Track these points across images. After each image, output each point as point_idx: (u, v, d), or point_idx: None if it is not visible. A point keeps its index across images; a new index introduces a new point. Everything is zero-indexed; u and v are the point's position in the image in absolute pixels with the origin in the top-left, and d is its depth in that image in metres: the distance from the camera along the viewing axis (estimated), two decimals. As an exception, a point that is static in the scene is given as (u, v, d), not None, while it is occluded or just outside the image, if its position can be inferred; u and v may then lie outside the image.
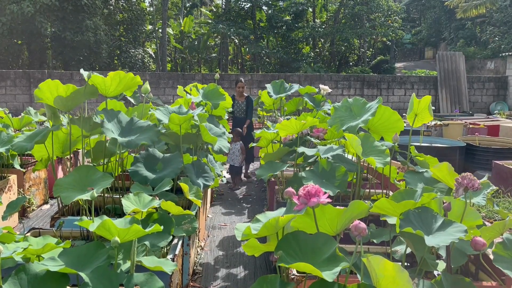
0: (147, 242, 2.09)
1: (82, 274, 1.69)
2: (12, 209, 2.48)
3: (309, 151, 3.24)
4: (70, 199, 2.32)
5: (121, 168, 3.51)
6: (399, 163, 3.71)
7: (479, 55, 20.89)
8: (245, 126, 6.62)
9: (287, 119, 3.55)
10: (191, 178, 3.12)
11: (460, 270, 2.30)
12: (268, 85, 5.86)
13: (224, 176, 6.17)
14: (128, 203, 2.20)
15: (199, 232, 3.85)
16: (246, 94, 6.89)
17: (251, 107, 6.82)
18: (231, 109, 5.16)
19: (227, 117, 5.01)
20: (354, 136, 2.77)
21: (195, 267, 3.52)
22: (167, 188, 2.76)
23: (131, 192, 2.39)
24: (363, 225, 1.61)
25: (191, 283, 3.23)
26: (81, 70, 2.94)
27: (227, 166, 6.49)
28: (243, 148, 6.37)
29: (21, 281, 1.69)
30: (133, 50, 20.28)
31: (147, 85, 3.29)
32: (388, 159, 2.92)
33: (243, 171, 6.91)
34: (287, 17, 21.51)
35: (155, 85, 13.69)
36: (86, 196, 2.25)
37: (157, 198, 2.60)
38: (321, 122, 3.93)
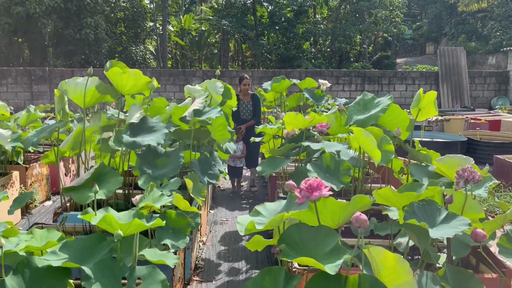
0: (167, 241, 2.11)
1: (85, 268, 1.70)
2: (18, 205, 2.51)
3: (314, 146, 3.24)
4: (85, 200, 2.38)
5: (124, 164, 3.51)
6: (402, 158, 3.72)
7: (481, 50, 20.84)
8: (246, 124, 5.80)
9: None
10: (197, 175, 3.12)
11: (460, 263, 2.31)
12: (266, 83, 5.86)
13: (227, 174, 6.16)
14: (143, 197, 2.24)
15: (200, 227, 3.86)
16: (251, 92, 6.00)
17: (258, 105, 5.94)
18: (235, 108, 5.09)
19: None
20: (368, 134, 2.76)
21: (197, 262, 3.54)
22: (175, 187, 2.77)
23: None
24: (364, 216, 1.62)
25: (194, 277, 3.25)
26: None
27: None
28: (245, 148, 5.86)
29: (23, 275, 1.70)
30: (134, 47, 20.28)
31: (154, 82, 3.28)
32: (393, 156, 2.93)
33: (249, 178, 6.31)
34: (288, 15, 21.48)
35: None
36: (98, 196, 2.30)
37: (165, 195, 2.62)
38: (328, 116, 3.93)
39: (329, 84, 4.72)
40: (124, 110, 4.01)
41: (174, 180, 2.81)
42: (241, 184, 6.25)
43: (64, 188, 2.61)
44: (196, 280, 3.23)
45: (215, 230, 4.37)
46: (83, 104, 2.98)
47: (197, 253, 3.66)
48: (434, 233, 1.79)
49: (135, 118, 3.09)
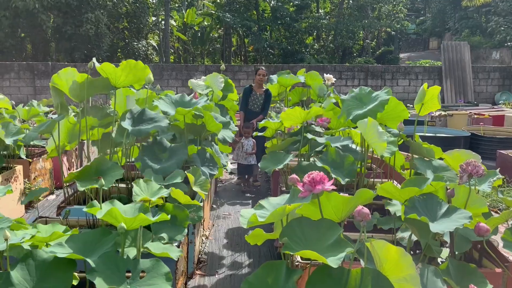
0: (164, 235, 2.11)
1: (89, 260, 1.71)
2: (31, 197, 2.57)
3: (319, 139, 3.26)
4: (85, 185, 2.39)
5: (126, 158, 3.52)
6: (404, 153, 3.71)
7: (485, 45, 20.71)
8: (256, 119, 5.68)
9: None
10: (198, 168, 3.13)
11: (463, 257, 2.31)
12: (273, 76, 5.84)
13: (229, 167, 6.14)
14: (138, 189, 2.22)
15: (203, 221, 3.88)
16: (264, 87, 5.92)
17: (269, 101, 5.88)
18: (236, 102, 5.07)
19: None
20: (370, 119, 2.75)
21: (200, 256, 3.56)
22: (179, 180, 2.78)
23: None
24: (366, 210, 1.62)
25: (197, 271, 3.26)
26: (94, 59, 2.95)
27: (230, 158, 6.25)
28: (255, 144, 5.60)
29: (28, 267, 1.71)
30: (136, 42, 20.25)
31: (150, 75, 3.27)
32: (396, 149, 2.92)
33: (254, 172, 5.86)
34: (291, 9, 21.39)
35: (159, 76, 13.70)
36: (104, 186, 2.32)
37: (164, 187, 2.62)
38: (328, 111, 3.92)
39: (334, 80, 4.67)
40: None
41: (176, 172, 2.81)
42: (256, 182, 5.92)
43: (68, 175, 2.62)
44: (199, 274, 3.24)
45: (217, 225, 4.38)
46: (77, 97, 2.97)
47: (200, 247, 3.67)
48: (434, 227, 1.79)
49: (132, 104, 3.10)
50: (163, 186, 2.48)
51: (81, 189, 2.45)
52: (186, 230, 2.29)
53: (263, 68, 5.88)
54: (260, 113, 5.82)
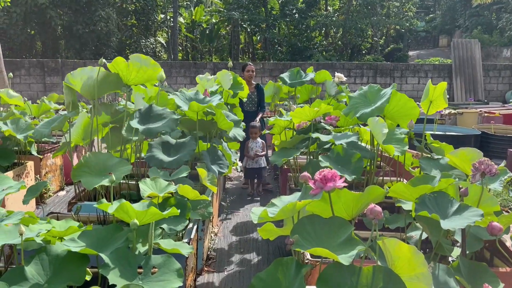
0: (165, 226, 2.12)
1: (103, 255, 1.73)
2: (32, 194, 2.55)
3: (323, 137, 3.24)
4: (92, 185, 2.38)
5: (137, 154, 3.54)
6: (413, 151, 3.69)
7: (495, 42, 20.47)
8: (258, 118, 5.48)
9: (301, 107, 3.55)
10: (206, 165, 3.14)
11: (475, 256, 2.29)
12: (284, 74, 5.80)
13: (239, 165, 6.10)
14: (145, 187, 2.23)
15: (212, 218, 3.89)
16: (254, 82, 5.70)
17: (263, 96, 5.65)
18: (245, 99, 5.03)
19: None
20: (380, 119, 2.74)
21: (209, 252, 3.57)
22: (185, 174, 2.78)
23: (147, 177, 2.42)
24: (378, 208, 1.62)
25: (205, 268, 3.28)
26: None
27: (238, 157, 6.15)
28: (265, 145, 5.27)
29: (42, 262, 1.74)
30: (144, 40, 20.33)
31: (162, 73, 3.28)
32: (406, 147, 2.90)
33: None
34: (300, 5, 21.32)
35: (167, 74, 13.75)
36: (106, 182, 2.29)
37: (173, 184, 2.63)
38: (335, 109, 3.91)
39: (344, 78, 4.62)
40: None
41: (182, 167, 2.81)
42: (268, 184, 5.64)
43: (73, 169, 2.62)
44: (208, 271, 3.26)
45: (226, 221, 4.39)
46: (90, 96, 2.99)
47: (209, 244, 3.69)
48: (446, 224, 1.78)
49: (141, 104, 3.11)
50: (171, 183, 2.49)
51: (88, 188, 2.45)
52: (187, 222, 2.28)
53: (251, 63, 5.67)
54: (257, 112, 5.64)
